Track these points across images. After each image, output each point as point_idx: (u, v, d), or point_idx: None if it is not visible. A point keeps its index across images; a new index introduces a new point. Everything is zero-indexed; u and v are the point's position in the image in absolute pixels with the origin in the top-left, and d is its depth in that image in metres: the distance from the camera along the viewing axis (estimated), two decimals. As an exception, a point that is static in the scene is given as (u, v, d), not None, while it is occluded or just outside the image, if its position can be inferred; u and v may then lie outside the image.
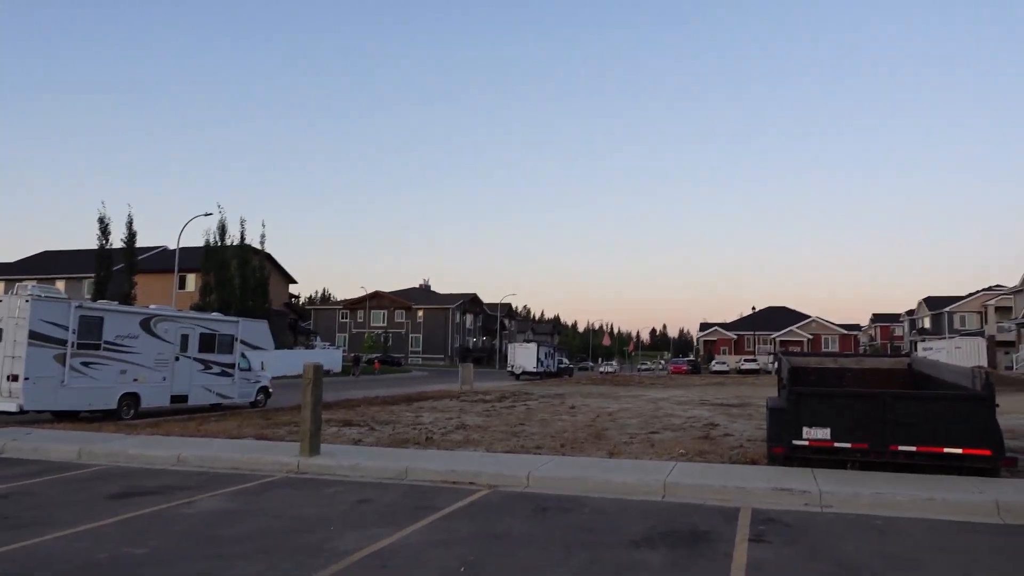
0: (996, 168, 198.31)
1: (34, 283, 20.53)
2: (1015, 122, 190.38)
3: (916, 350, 68.67)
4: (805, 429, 9.20)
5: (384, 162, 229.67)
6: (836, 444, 9.08)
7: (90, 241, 39.80)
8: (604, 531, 6.64)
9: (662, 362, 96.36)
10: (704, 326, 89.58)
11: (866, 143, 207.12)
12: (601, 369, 79.78)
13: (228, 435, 13.29)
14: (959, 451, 8.64)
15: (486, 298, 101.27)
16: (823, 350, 79.84)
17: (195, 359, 19.41)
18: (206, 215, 40.06)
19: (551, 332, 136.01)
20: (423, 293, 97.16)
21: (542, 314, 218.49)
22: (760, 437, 14.20)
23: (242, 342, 22.00)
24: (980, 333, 69.26)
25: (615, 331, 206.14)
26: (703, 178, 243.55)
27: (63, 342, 15.78)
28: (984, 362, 48.28)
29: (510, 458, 10.53)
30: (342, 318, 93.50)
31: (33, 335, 15.19)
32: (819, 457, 9.22)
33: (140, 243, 42.78)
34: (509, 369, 55.71)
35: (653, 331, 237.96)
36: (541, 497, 8.21)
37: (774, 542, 6.27)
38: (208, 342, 19.99)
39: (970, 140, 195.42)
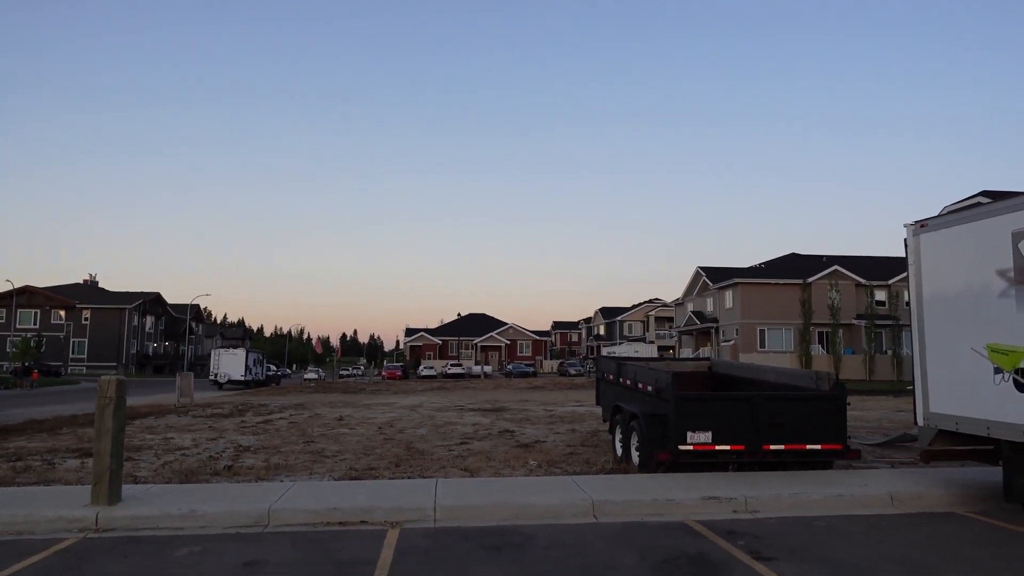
0: (665, 195, 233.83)
1: None
2: (671, 151, 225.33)
3: (597, 352, 77.66)
4: (689, 434, 9.22)
5: (41, 139, 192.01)
6: (717, 447, 9.25)
7: None
8: (603, 569, 5.69)
9: (361, 368, 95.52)
10: (410, 331, 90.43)
11: (558, 169, 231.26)
12: (305, 376, 75.72)
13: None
14: (819, 447, 9.36)
15: (170, 299, 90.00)
16: (519, 353, 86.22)
17: None
18: None
19: (242, 337, 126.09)
20: (91, 291, 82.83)
21: (225, 317, 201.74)
22: (577, 441, 14.24)
23: None
24: (642, 339, 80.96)
25: (304, 336, 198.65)
26: (401, 188, 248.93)
27: None
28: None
29: (382, 486, 8.78)
30: (-26, 318, 75.36)
31: None
32: (700, 461, 9.32)
33: None
34: (211, 378, 49.97)
35: (344, 336, 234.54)
36: (468, 532, 6.89)
37: (779, 558, 5.94)
38: None
39: (634, 170, 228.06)
